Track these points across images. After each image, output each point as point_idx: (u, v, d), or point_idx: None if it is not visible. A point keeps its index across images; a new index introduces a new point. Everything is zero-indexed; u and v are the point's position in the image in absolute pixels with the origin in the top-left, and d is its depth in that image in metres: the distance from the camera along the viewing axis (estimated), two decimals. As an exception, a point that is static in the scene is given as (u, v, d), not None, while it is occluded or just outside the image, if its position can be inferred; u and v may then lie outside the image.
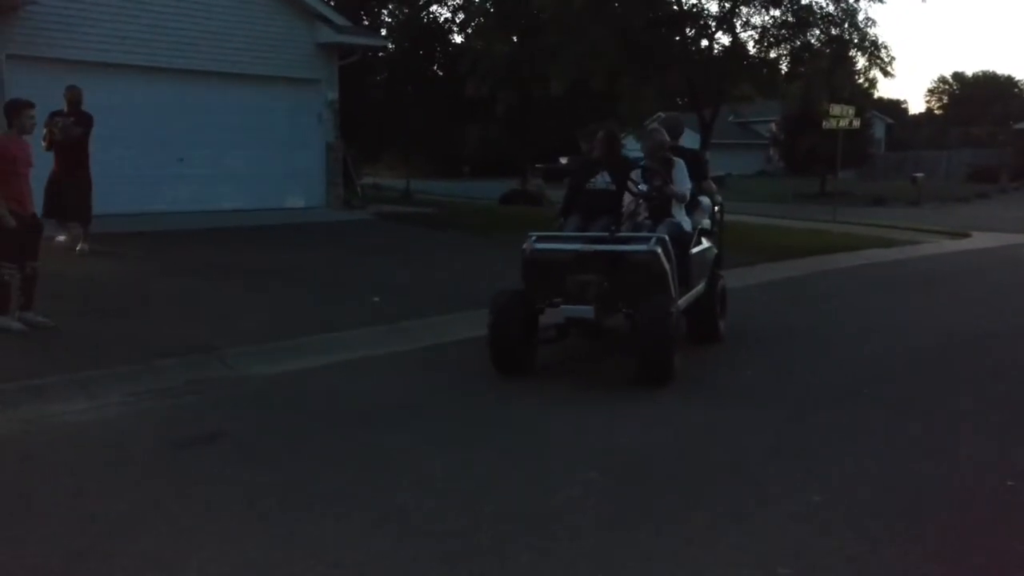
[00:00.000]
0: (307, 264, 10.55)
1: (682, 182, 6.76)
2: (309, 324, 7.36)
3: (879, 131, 49.78)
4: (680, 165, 6.81)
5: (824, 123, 21.35)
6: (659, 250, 5.96)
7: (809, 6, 17.36)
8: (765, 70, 18.35)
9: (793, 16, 17.40)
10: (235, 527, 3.66)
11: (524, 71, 18.66)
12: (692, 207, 7.19)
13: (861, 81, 19.86)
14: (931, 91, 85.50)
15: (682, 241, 6.54)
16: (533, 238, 6.31)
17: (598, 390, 5.87)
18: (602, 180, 6.99)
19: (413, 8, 26.23)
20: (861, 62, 17.97)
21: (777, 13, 17.62)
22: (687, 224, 6.80)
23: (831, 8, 17.34)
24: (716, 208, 7.77)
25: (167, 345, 6.47)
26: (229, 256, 10.78)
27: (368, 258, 11.31)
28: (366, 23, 23.76)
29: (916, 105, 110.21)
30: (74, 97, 9.90)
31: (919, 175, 30.98)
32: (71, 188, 9.70)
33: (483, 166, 37.59)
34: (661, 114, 13.75)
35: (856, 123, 21.11)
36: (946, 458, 4.52)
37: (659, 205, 6.70)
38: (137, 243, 11.18)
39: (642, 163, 6.90)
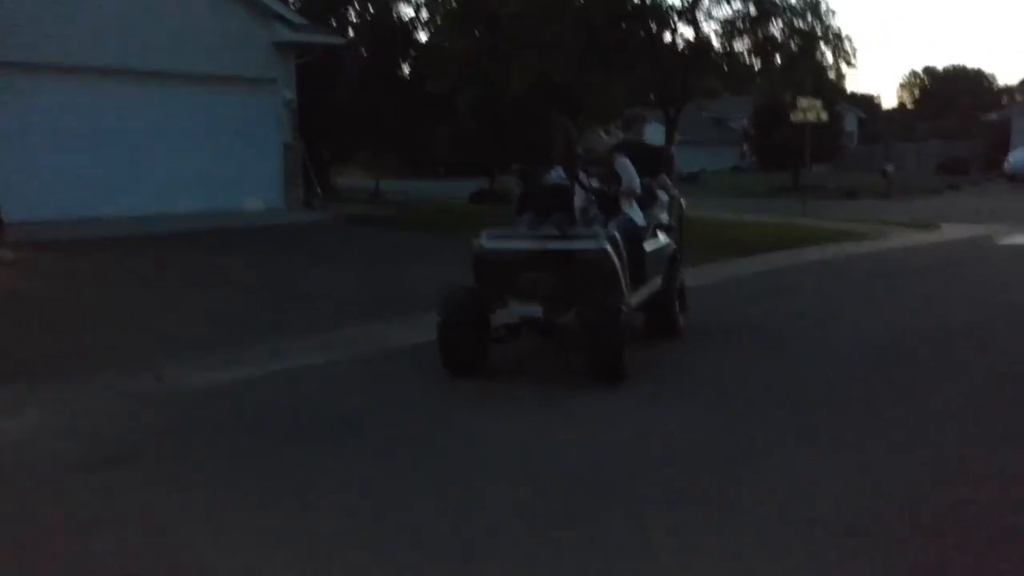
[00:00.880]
0: (256, 268, 10.21)
1: (629, 179, 6.53)
2: (251, 332, 7.05)
3: (851, 125, 50.02)
4: (621, 161, 6.58)
5: (792, 117, 21.27)
6: (609, 248, 5.74)
7: (771, -4, 17.22)
8: (728, 64, 18.17)
9: (755, 7, 17.24)
10: (140, 560, 3.35)
11: (487, 66, 18.35)
12: (649, 202, 7.00)
13: (832, 75, 19.71)
14: (903, 85, 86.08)
15: (635, 236, 6.31)
16: (483, 236, 6.08)
17: (548, 392, 5.61)
18: (556, 175, 6.78)
19: (379, 7, 25.90)
20: (827, 54, 17.82)
21: (739, 5, 17.49)
22: (639, 219, 6.58)
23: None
24: (681, 203, 7.57)
25: (98, 358, 6.16)
26: (176, 262, 10.43)
27: (320, 261, 10.99)
28: (333, 24, 23.43)
29: (888, 99, 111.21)
30: None
31: (890, 168, 30.99)
32: None
33: (457, 165, 37.29)
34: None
35: (824, 116, 21.03)
36: (898, 463, 4.30)
37: (611, 201, 6.48)
38: (80, 250, 10.78)
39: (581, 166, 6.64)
